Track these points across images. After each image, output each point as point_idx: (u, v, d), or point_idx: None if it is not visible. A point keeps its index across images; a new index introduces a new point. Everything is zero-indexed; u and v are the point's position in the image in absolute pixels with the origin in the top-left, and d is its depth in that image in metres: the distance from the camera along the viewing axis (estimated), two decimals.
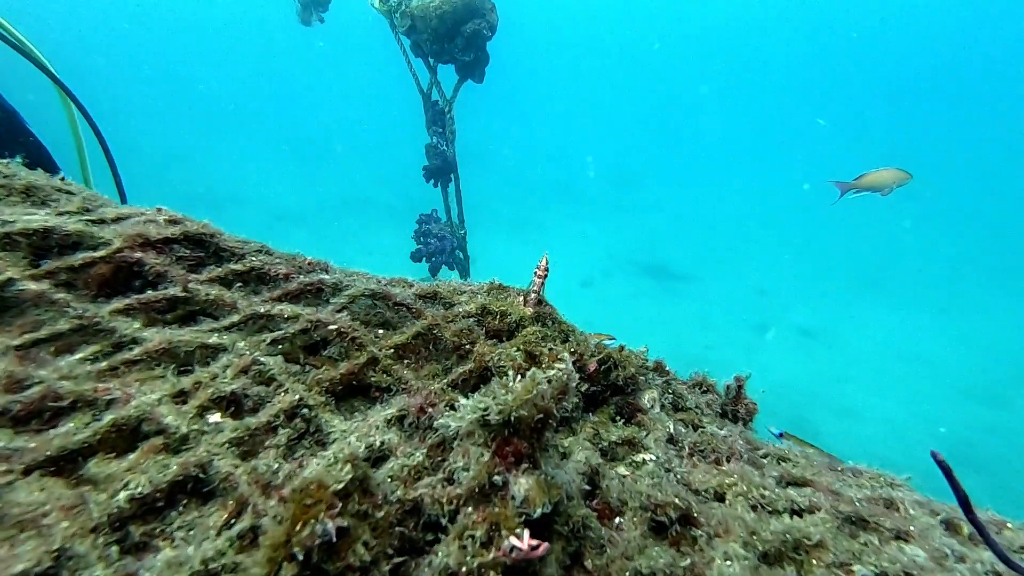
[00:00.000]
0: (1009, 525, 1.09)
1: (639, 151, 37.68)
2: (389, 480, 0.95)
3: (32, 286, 1.12)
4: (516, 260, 20.54)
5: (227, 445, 0.95)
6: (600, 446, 1.16)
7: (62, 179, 1.58)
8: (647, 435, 1.20)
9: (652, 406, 1.32)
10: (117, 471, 0.91)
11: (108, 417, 0.92)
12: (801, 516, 0.94)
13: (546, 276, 1.46)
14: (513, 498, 0.79)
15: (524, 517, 0.77)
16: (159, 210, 1.45)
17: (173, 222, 1.43)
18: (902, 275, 23.17)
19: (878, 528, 0.92)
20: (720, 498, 1.03)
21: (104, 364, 1.03)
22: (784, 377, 15.06)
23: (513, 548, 0.74)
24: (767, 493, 1.02)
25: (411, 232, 8.83)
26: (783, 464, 1.21)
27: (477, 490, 0.80)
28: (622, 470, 1.10)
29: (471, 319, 1.42)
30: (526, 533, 0.75)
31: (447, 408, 1.10)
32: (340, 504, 0.73)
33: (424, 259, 8.65)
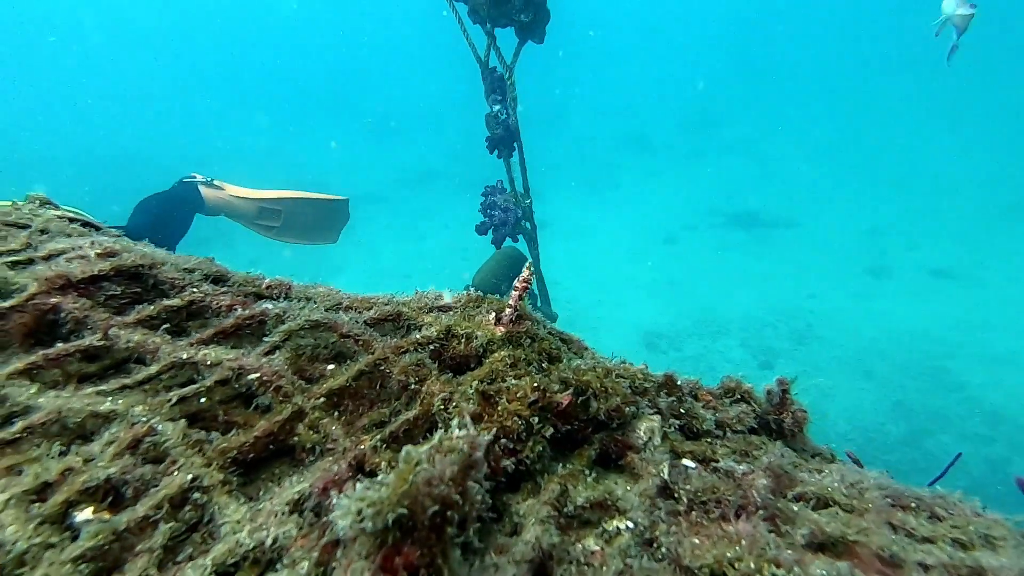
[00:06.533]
0: None
1: (715, 91, 34.27)
2: None
3: None
4: (592, 222, 19.84)
5: (79, 561, 0.76)
6: (566, 510, 0.89)
7: (14, 204, 1.49)
8: (628, 490, 0.92)
9: (650, 439, 1.00)
10: None
11: None
12: None
13: (527, 288, 1.15)
14: None
15: None
16: (93, 243, 1.30)
17: (108, 255, 1.28)
18: None
19: None
20: None
21: None
22: (914, 325, 13.31)
23: None
24: (781, 573, 0.75)
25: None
26: (820, 514, 0.90)
27: None
28: (591, 543, 0.84)
29: (431, 346, 1.15)
30: None
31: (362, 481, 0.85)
32: None
33: (488, 231, 8.49)
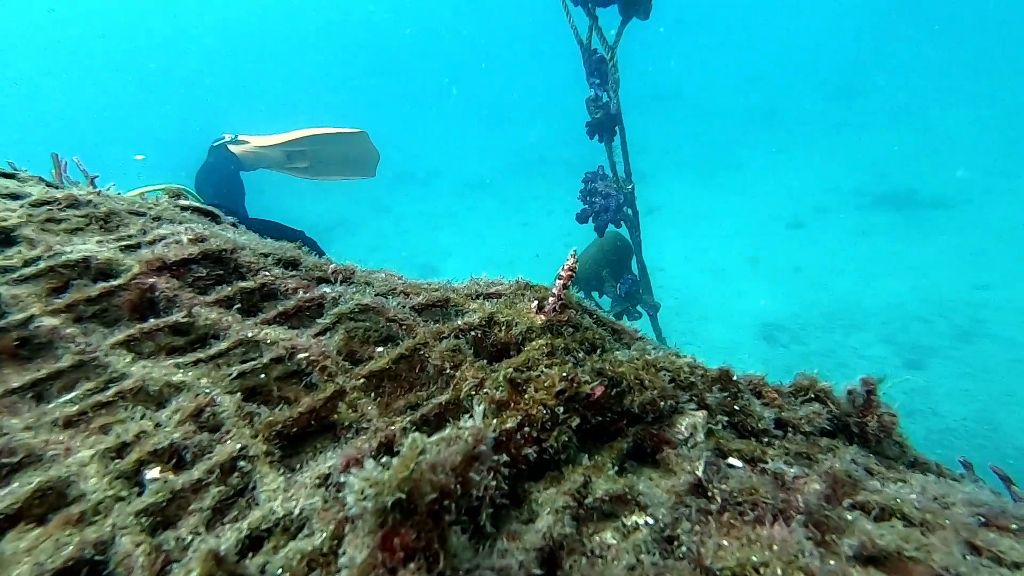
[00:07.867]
0: None
1: (865, 47, 29.88)
2: (280, 572, 0.76)
3: (47, 321, 1.18)
4: (706, 206, 18.58)
5: (142, 515, 0.85)
6: (587, 502, 0.85)
7: (141, 196, 1.72)
8: (655, 486, 0.88)
9: (691, 435, 0.91)
10: (18, 552, 0.81)
11: (36, 480, 0.89)
12: None
13: (571, 277, 1.08)
14: None
15: None
16: (187, 228, 1.45)
17: (198, 240, 1.42)
18: None
19: None
20: None
21: (75, 408, 1.03)
22: None
23: None
24: None
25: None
26: (880, 526, 0.80)
27: None
28: (608, 537, 0.81)
29: (473, 333, 1.12)
30: None
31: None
32: None
33: (589, 219, 8.29)
